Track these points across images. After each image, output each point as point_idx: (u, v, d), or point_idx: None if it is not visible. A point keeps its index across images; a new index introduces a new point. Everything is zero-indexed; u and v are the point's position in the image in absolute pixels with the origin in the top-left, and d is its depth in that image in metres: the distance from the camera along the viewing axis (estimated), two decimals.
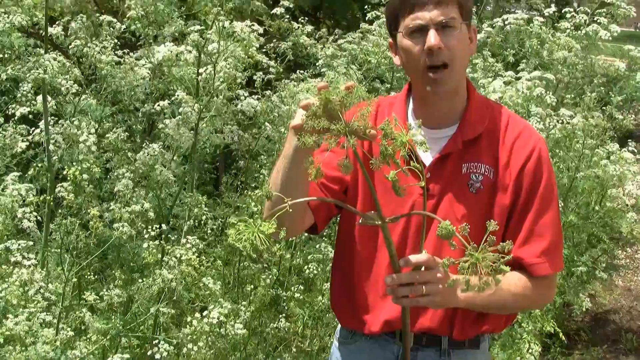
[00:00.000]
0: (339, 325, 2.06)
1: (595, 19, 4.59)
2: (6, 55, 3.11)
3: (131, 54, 3.56)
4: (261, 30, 3.19)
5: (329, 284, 3.54)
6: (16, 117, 3.22)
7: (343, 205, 1.57)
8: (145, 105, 3.58)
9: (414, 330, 1.83)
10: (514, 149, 1.77)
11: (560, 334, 4.08)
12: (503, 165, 1.76)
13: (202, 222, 3.27)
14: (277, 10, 3.99)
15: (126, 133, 3.33)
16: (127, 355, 2.40)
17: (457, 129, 1.79)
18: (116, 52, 3.42)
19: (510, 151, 1.77)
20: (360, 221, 1.49)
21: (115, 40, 3.40)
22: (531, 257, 1.75)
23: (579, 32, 4.51)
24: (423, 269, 1.56)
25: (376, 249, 1.86)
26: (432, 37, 1.68)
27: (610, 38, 4.44)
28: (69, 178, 2.58)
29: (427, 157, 1.80)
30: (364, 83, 4.19)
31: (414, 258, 1.54)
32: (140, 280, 2.87)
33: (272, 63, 3.99)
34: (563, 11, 4.76)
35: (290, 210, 1.30)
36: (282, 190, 1.66)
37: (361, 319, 1.91)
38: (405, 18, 1.73)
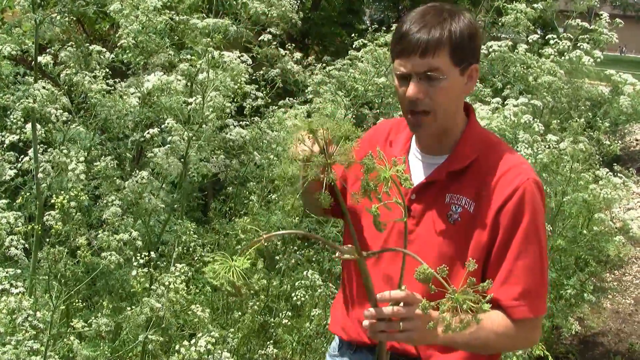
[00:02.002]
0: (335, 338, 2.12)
1: (578, 44, 4.65)
2: None
3: (121, 82, 3.58)
4: (249, 60, 3.22)
5: (317, 309, 3.57)
6: (5, 145, 3.23)
7: (320, 239, 1.59)
8: (135, 133, 3.60)
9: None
10: (497, 186, 1.74)
11: (550, 357, 4.09)
12: (484, 201, 1.74)
13: (191, 248, 3.28)
14: (265, 37, 4.02)
15: (115, 161, 3.34)
16: None
17: (447, 159, 1.82)
18: (107, 81, 3.44)
19: (494, 188, 1.74)
20: (337, 254, 1.50)
21: (106, 70, 3.42)
22: (509, 300, 1.72)
23: (563, 57, 4.56)
24: (402, 304, 1.54)
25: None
26: (411, 89, 1.70)
27: (594, 64, 4.49)
28: (57, 206, 2.59)
29: (419, 179, 1.84)
30: (351, 109, 4.23)
31: (392, 294, 1.53)
32: (128, 308, 2.87)
33: (260, 94, 4.02)
34: (547, 37, 4.82)
35: (265, 243, 1.33)
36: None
37: (342, 326, 1.99)
38: (395, 60, 1.76)
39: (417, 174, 1.85)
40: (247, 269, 1.22)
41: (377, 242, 1.83)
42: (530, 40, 4.84)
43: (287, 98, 4.56)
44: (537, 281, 1.73)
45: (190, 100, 3.09)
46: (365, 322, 1.56)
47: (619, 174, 4.64)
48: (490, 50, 4.58)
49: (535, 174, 1.79)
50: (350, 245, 1.47)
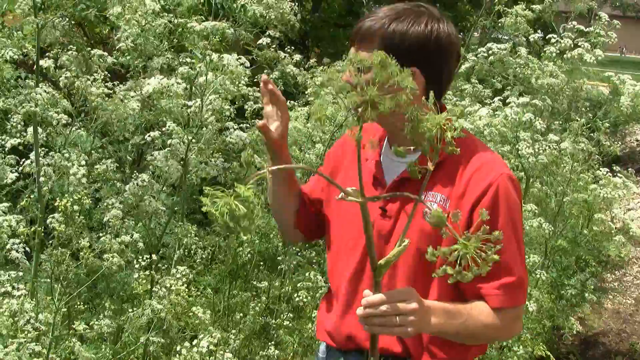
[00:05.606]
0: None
1: (579, 43, 4.65)
2: None
3: (121, 85, 3.60)
4: (247, 63, 3.23)
5: None
6: (6, 148, 3.24)
7: (322, 175, 1.52)
8: (135, 136, 3.61)
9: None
10: (471, 181, 1.75)
11: (551, 357, 4.11)
12: (458, 196, 1.75)
13: (192, 251, 3.30)
14: (263, 41, 4.02)
15: (115, 164, 3.34)
16: None
17: (419, 156, 1.78)
18: (106, 85, 3.45)
19: (467, 183, 1.75)
20: (339, 196, 1.43)
21: (105, 72, 3.43)
22: (489, 289, 1.72)
23: (565, 55, 4.55)
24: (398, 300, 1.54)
25: (339, 260, 1.93)
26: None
27: (595, 62, 4.49)
28: (60, 209, 2.60)
29: (390, 180, 1.85)
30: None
31: (388, 295, 1.52)
32: (130, 310, 2.88)
33: (258, 95, 4.03)
34: (548, 37, 4.82)
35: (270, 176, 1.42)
36: (272, 202, 2.05)
37: (328, 332, 1.97)
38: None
39: (391, 175, 1.85)
40: (249, 199, 1.12)
41: (356, 244, 1.85)
42: (531, 40, 4.84)
43: (287, 100, 4.56)
44: (515, 274, 1.74)
45: (190, 103, 3.10)
46: (360, 311, 1.53)
47: (618, 175, 4.65)
48: (490, 52, 4.58)
49: (508, 169, 1.80)
50: (354, 188, 1.42)
